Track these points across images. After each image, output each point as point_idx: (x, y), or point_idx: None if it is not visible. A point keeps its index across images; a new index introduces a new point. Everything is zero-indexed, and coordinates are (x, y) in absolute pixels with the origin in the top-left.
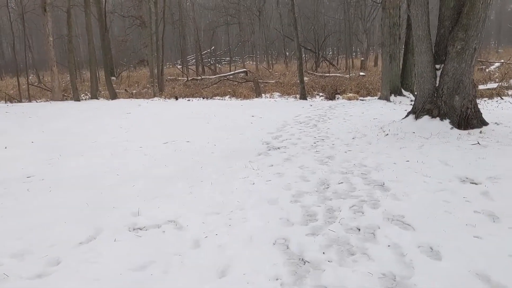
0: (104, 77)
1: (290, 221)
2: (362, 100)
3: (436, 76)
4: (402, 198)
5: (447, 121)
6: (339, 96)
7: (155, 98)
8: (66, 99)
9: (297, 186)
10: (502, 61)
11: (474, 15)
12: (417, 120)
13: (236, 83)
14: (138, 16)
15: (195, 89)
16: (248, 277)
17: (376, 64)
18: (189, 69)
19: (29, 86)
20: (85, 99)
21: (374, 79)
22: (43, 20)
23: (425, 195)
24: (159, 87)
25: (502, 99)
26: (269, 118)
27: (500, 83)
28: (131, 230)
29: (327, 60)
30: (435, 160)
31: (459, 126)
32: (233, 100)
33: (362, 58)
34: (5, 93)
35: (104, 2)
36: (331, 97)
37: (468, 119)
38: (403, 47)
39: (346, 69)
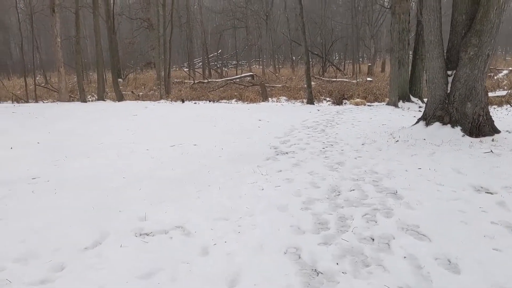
0: (111, 78)
1: (301, 229)
2: (370, 105)
3: (447, 82)
4: (416, 207)
5: (458, 128)
6: (346, 101)
7: (162, 101)
8: (73, 100)
9: (307, 193)
10: (510, 68)
11: (488, 21)
12: (428, 126)
13: (242, 86)
14: (146, 18)
15: (201, 92)
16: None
17: (383, 69)
18: (196, 72)
19: (36, 86)
20: (92, 101)
21: (382, 85)
22: (51, 21)
23: (439, 204)
24: (166, 90)
25: None
26: (276, 122)
27: (509, 91)
28: (137, 235)
29: (333, 65)
30: (448, 168)
31: (471, 134)
32: (240, 103)
33: (369, 64)
34: (12, 93)
35: (112, 4)
36: (338, 102)
37: (480, 127)
38: (412, 52)
39: (353, 74)
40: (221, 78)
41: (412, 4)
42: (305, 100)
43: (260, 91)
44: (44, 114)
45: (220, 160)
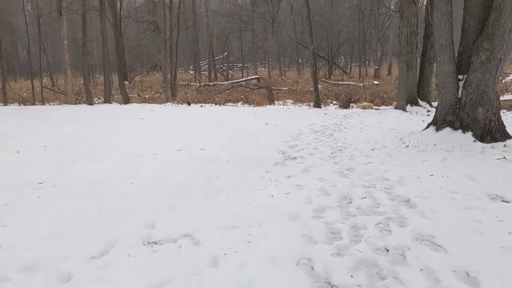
0: (117, 81)
1: (313, 238)
2: (377, 109)
3: (458, 87)
4: (430, 216)
5: (469, 134)
6: (353, 104)
7: (168, 103)
8: (79, 103)
9: (318, 200)
10: None
11: (500, 25)
12: (438, 131)
13: (248, 89)
14: (153, 21)
15: (207, 94)
16: None
17: (389, 73)
18: (202, 75)
19: (43, 89)
20: (98, 103)
21: (389, 88)
22: (58, 23)
23: (454, 213)
24: (172, 92)
25: None
26: (284, 126)
27: None
28: (145, 244)
29: (340, 68)
30: (460, 174)
31: (482, 139)
32: (246, 106)
33: (376, 67)
34: (19, 95)
35: (119, 7)
36: (345, 105)
37: (492, 132)
38: (420, 56)
39: (359, 78)
40: (227, 81)
41: (421, 8)
42: (311, 103)
43: (266, 94)
44: (50, 116)
45: (227, 164)
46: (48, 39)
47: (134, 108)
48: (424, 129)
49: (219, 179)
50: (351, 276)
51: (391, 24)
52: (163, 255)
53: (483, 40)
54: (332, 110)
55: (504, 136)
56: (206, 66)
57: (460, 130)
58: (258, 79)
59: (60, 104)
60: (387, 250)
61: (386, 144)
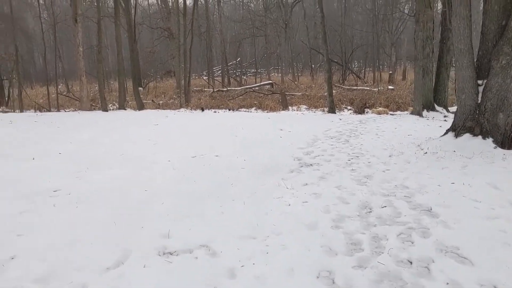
0: (131, 87)
1: (332, 250)
2: (393, 114)
3: (478, 92)
4: (454, 226)
5: (489, 140)
6: (368, 110)
7: (182, 109)
8: (94, 109)
9: (337, 209)
10: None
11: None
12: (457, 138)
13: (262, 95)
14: (166, 27)
15: (221, 100)
16: None
17: (404, 77)
18: (215, 80)
19: (58, 95)
20: (113, 109)
21: (404, 93)
22: (74, 30)
23: (478, 223)
24: (185, 98)
25: None
26: (298, 132)
27: None
28: (161, 255)
29: (353, 73)
30: (482, 182)
31: (503, 146)
32: (260, 112)
33: (390, 72)
34: (35, 102)
35: (133, 13)
36: (360, 111)
37: None
38: (436, 61)
39: (373, 82)
40: (240, 86)
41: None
42: (326, 109)
43: (280, 100)
44: (65, 123)
45: (243, 172)
46: (64, 46)
47: (148, 114)
48: (443, 135)
49: (234, 186)
50: None
51: (405, 29)
52: (179, 266)
53: (504, 44)
54: (346, 116)
55: None
56: (220, 71)
57: (480, 136)
58: (271, 84)
59: (75, 110)
60: (411, 262)
61: (404, 150)
